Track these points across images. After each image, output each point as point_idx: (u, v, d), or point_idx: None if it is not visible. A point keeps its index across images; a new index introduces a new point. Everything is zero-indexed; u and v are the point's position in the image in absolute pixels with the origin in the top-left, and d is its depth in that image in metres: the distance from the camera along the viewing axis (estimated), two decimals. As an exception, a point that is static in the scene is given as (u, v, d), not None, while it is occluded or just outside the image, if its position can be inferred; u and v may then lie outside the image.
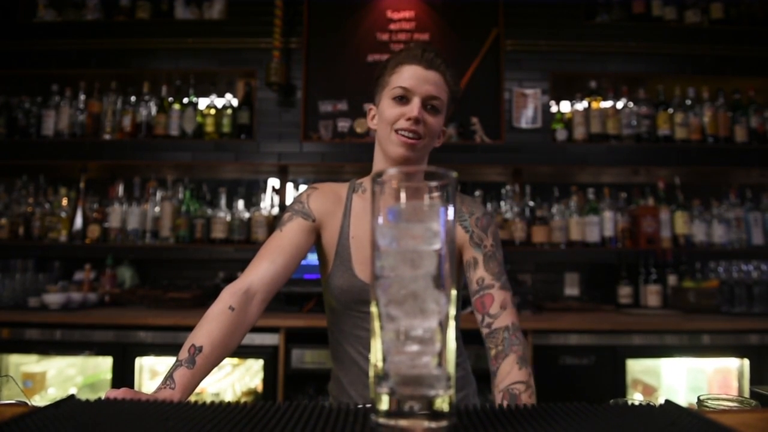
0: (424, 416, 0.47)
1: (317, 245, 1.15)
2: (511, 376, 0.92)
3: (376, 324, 0.50)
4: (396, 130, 1.05)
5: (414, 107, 1.04)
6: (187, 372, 0.84)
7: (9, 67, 2.85)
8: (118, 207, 2.76)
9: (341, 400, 1.15)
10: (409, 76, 1.05)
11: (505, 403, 0.82)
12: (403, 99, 1.06)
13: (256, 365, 2.43)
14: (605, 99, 2.87)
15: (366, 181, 1.20)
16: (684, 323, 2.25)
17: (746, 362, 2.21)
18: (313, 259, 2.54)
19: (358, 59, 2.85)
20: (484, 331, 1.00)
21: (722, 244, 2.78)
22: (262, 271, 1.01)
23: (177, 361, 0.86)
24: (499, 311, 0.99)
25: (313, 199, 1.13)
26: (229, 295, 0.96)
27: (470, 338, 1.25)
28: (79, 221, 2.75)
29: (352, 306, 1.09)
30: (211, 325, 0.91)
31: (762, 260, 2.54)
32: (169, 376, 0.83)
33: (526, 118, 2.79)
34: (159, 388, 0.82)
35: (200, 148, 2.76)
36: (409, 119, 1.03)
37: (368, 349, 1.05)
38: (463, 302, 1.18)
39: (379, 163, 1.14)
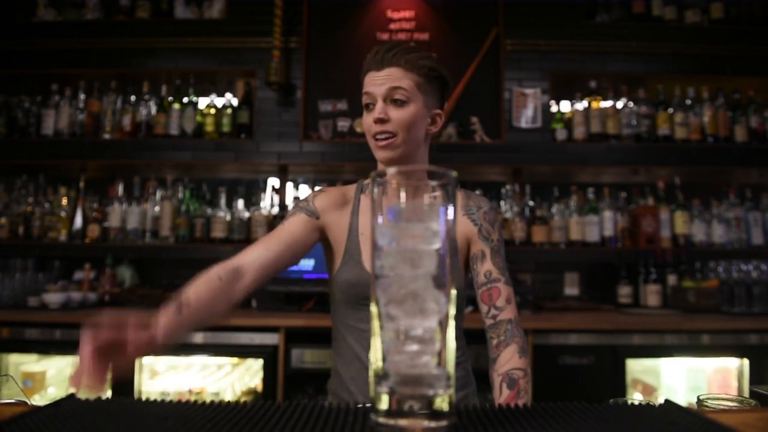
0: (424, 416, 0.47)
1: (325, 244, 1.17)
2: (512, 363, 0.98)
3: (376, 324, 0.50)
4: (373, 136, 1.09)
5: (376, 109, 1.06)
6: (173, 317, 0.83)
7: (9, 66, 2.85)
8: (118, 206, 2.76)
9: (341, 396, 1.15)
10: (367, 83, 1.10)
11: (504, 386, 0.95)
12: (369, 106, 1.09)
13: (255, 365, 2.43)
14: (605, 99, 2.87)
15: (370, 178, 1.22)
16: (684, 323, 2.24)
17: (746, 362, 2.21)
18: (309, 263, 2.55)
19: (358, 59, 2.82)
20: (488, 321, 1.05)
21: (722, 243, 2.78)
22: (255, 255, 1.02)
23: (163, 309, 0.84)
24: (504, 305, 1.05)
25: (318, 199, 1.15)
26: (218, 268, 0.97)
27: (470, 338, 1.25)
28: (78, 221, 2.75)
29: (359, 300, 1.11)
30: (198, 287, 0.93)
31: (762, 260, 2.54)
32: (154, 319, 0.80)
33: (526, 117, 2.79)
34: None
35: (200, 147, 2.76)
36: (375, 122, 1.07)
37: (370, 344, 1.05)
38: (468, 301, 1.19)
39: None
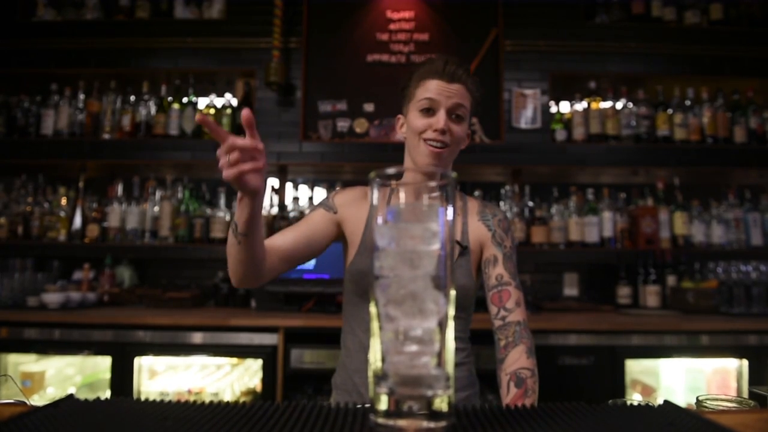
0: (423, 416, 0.47)
1: (342, 238, 1.22)
2: (520, 362, 1.01)
3: (375, 324, 0.50)
4: (424, 140, 1.13)
5: (440, 118, 1.11)
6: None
7: (8, 66, 2.84)
8: (117, 206, 2.76)
9: (345, 389, 1.17)
10: (433, 89, 1.13)
11: (511, 384, 0.98)
12: (429, 111, 1.13)
13: (255, 365, 2.42)
14: (604, 99, 2.87)
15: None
16: (683, 324, 2.25)
17: (745, 363, 2.21)
18: (309, 263, 2.55)
19: (357, 59, 2.84)
20: (497, 323, 1.08)
21: (721, 244, 2.78)
22: (273, 241, 1.11)
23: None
24: (514, 307, 1.08)
25: (338, 196, 1.23)
26: None
27: (471, 339, 1.25)
28: (78, 221, 2.75)
29: (369, 291, 1.12)
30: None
31: (761, 261, 2.54)
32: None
33: (526, 118, 2.80)
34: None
35: (199, 147, 2.76)
36: (436, 130, 1.11)
37: None
38: (477, 302, 1.20)
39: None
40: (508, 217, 1.23)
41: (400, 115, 1.25)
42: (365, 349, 1.14)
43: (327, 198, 1.24)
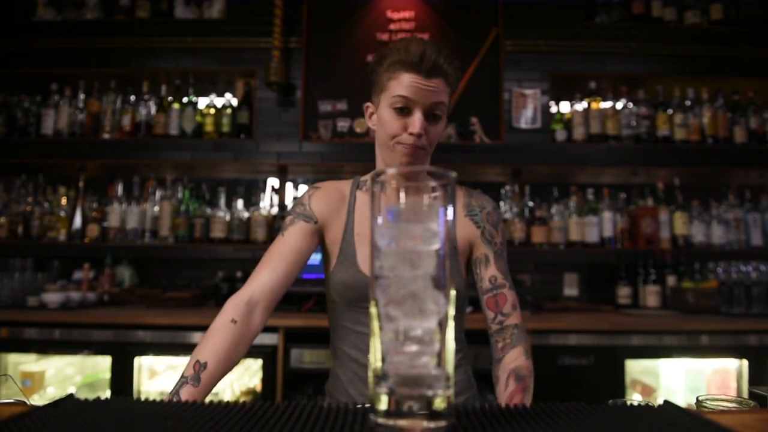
0: (423, 416, 0.47)
1: (321, 243, 1.14)
2: (519, 361, 0.98)
3: (375, 324, 0.50)
4: (399, 142, 1.02)
5: (417, 122, 0.99)
6: (193, 389, 0.85)
7: (8, 66, 2.84)
8: (117, 206, 2.76)
9: (339, 399, 1.14)
10: (409, 85, 0.99)
11: (511, 380, 0.94)
12: (403, 110, 1.01)
13: (254, 365, 2.42)
14: (605, 99, 2.87)
15: (370, 178, 1.20)
16: (683, 324, 2.25)
17: (745, 363, 2.21)
18: (312, 259, 2.55)
19: (357, 59, 2.84)
20: (495, 327, 1.05)
21: (721, 244, 2.78)
22: (263, 280, 1.01)
23: (182, 377, 0.87)
24: (511, 310, 1.05)
25: (315, 199, 1.11)
26: (231, 307, 0.97)
27: (468, 339, 1.25)
28: (78, 220, 2.75)
29: (354, 302, 1.08)
30: (215, 340, 0.92)
31: (761, 261, 2.54)
32: (176, 393, 0.85)
33: (526, 118, 2.80)
34: None
35: (199, 147, 2.76)
36: (411, 134, 1.00)
37: (367, 346, 1.04)
38: (471, 301, 1.19)
39: (381, 165, 1.13)
40: (498, 208, 1.13)
41: (369, 104, 1.13)
42: (355, 360, 1.09)
43: (303, 204, 1.11)
